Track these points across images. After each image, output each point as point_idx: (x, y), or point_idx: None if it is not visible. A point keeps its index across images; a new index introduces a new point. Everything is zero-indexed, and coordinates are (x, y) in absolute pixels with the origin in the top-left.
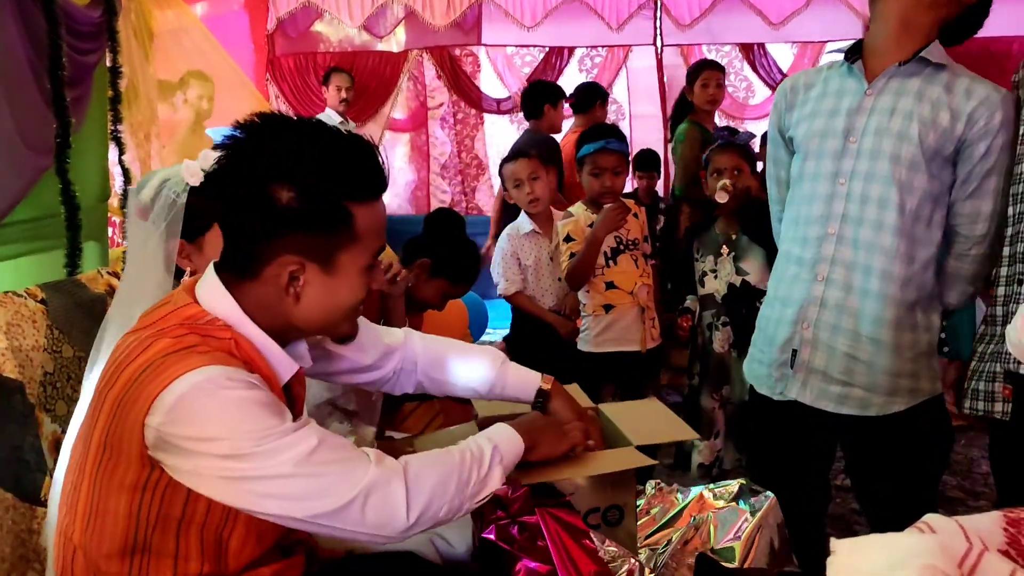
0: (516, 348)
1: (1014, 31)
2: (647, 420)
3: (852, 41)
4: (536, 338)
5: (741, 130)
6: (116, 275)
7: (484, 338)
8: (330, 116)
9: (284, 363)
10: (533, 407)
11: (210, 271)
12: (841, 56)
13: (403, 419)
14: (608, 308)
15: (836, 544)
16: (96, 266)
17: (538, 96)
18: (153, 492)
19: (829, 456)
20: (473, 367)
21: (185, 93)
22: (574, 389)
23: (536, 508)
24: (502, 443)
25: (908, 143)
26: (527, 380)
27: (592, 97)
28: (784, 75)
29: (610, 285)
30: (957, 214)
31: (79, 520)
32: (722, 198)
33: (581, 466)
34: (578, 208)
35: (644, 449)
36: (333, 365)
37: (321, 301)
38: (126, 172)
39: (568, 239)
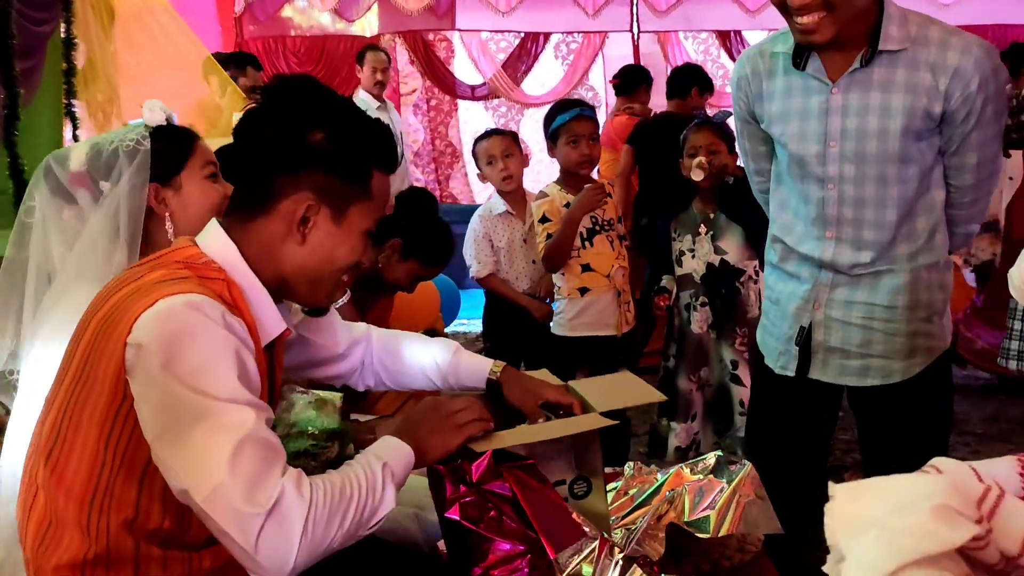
0: (490, 332)
1: (984, 20)
2: (614, 388)
3: None
4: (510, 322)
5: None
6: None
7: (460, 329)
8: (363, 100)
9: (273, 319)
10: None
11: (213, 222)
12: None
13: (372, 404)
14: (584, 291)
15: (834, 489)
16: None
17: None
18: (123, 426)
19: (831, 427)
20: (426, 357)
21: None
22: (543, 373)
23: (503, 471)
24: (391, 459)
25: (892, 139)
26: (478, 368)
27: (637, 79)
28: None
29: (586, 268)
30: (946, 167)
31: (42, 456)
32: (697, 176)
33: (539, 431)
34: (553, 188)
35: (611, 415)
36: (306, 353)
37: (322, 249)
38: None
39: (544, 219)
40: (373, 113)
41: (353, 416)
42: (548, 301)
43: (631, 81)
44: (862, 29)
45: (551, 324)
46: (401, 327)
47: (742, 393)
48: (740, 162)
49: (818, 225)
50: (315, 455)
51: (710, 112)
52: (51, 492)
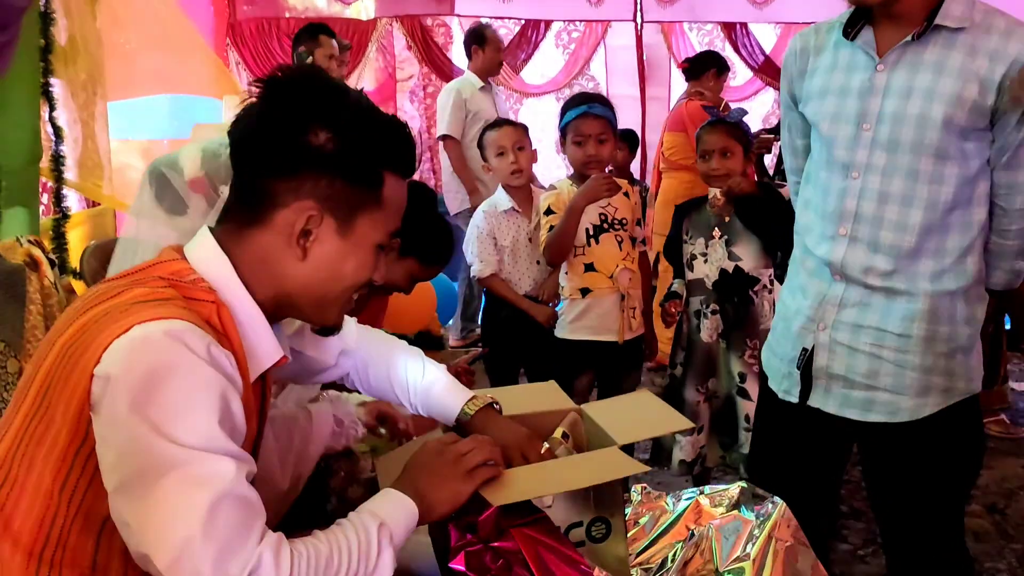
0: (489, 336)
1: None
2: (634, 415)
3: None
4: (510, 324)
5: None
6: (39, 244)
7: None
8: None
9: (268, 347)
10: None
11: (203, 230)
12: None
13: None
14: (585, 292)
15: None
16: (23, 234)
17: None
18: (83, 469)
19: (840, 464)
20: (400, 376)
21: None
22: (551, 387)
23: (510, 530)
24: (390, 518)
25: (932, 128)
26: (448, 406)
27: (707, 64)
28: (766, 56)
29: (589, 267)
30: (994, 184)
31: None
32: (715, 211)
33: (554, 479)
34: (563, 183)
35: (626, 449)
36: (296, 367)
37: (326, 265)
38: (57, 131)
39: (548, 212)
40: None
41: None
42: (552, 305)
43: (699, 66)
44: (923, 5)
45: (556, 326)
46: (395, 328)
47: (749, 408)
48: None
49: (833, 220)
50: (351, 478)
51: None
52: None
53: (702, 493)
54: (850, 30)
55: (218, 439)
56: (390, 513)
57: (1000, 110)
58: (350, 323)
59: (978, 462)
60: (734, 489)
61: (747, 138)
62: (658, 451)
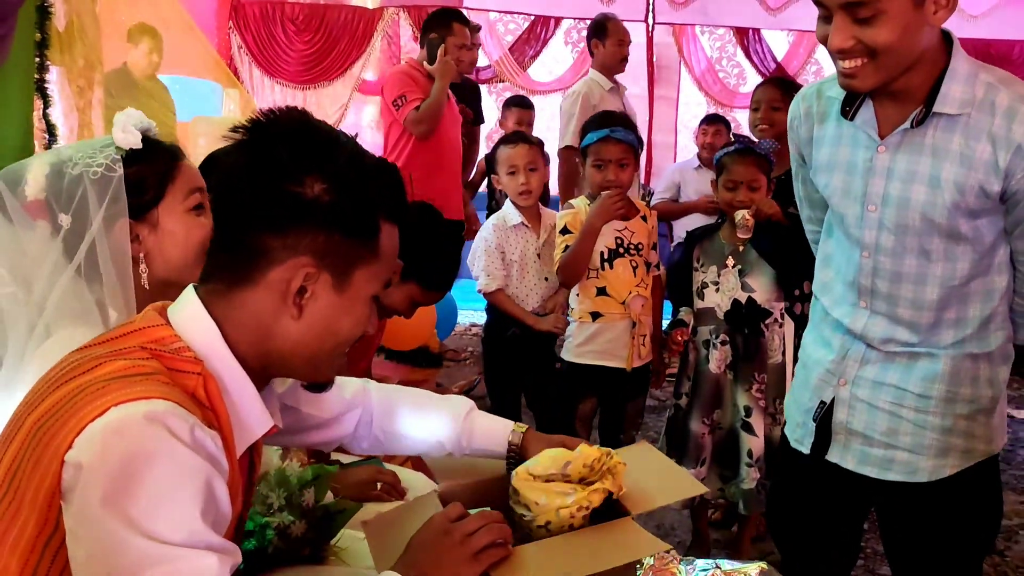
0: (491, 356)
1: (1015, 35)
2: (642, 475)
3: None
4: (514, 347)
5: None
6: None
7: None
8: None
9: (257, 417)
10: (508, 464)
11: (188, 292)
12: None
13: None
14: (596, 316)
15: None
16: None
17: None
18: (52, 563)
19: (860, 517)
20: (431, 420)
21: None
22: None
23: None
24: None
25: (939, 213)
26: (494, 432)
27: None
28: (777, 64)
29: (601, 291)
30: (1013, 250)
31: None
32: (744, 234)
33: (567, 561)
34: (580, 201)
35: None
36: (289, 421)
37: (321, 322)
38: (51, 128)
39: (565, 231)
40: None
41: (334, 456)
42: (560, 316)
43: None
44: (923, 82)
45: (562, 349)
46: (393, 345)
47: (752, 443)
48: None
49: (853, 291)
50: (294, 506)
51: (710, 108)
52: None
53: (718, 567)
54: (847, 108)
55: (200, 532)
56: None
57: (1009, 191)
58: (355, 380)
59: (996, 523)
60: (753, 570)
61: (771, 169)
62: None
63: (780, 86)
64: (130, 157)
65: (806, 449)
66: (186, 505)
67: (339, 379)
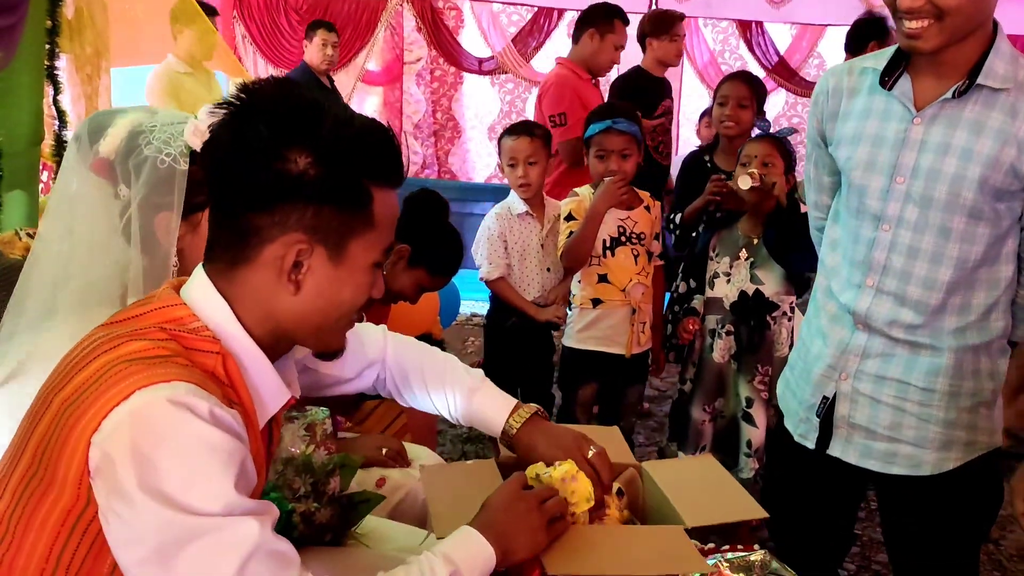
0: (492, 344)
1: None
2: (702, 488)
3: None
4: (514, 335)
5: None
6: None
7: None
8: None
9: (276, 390)
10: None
11: (198, 271)
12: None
13: (363, 418)
14: (596, 303)
15: None
16: (22, 218)
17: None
18: (83, 536)
19: (856, 505)
20: (437, 394)
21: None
22: (613, 433)
23: None
24: (465, 565)
25: (967, 188)
26: (493, 418)
27: (867, 34)
28: (780, 57)
29: (603, 278)
30: (1023, 242)
31: None
32: (744, 183)
33: (615, 558)
34: (585, 189)
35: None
36: (309, 380)
37: (322, 295)
38: (61, 114)
39: (569, 218)
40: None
41: (340, 434)
42: (559, 307)
43: (861, 35)
44: (967, 58)
45: (563, 336)
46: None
47: (752, 434)
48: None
49: (861, 269)
50: (320, 493)
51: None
52: None
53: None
54: (887, 79)
55: (236, 501)
56: (466, 560)
57: None
58: (377, 332)
59: (995, 512)
60: (755, 556)
61: (791, 157)
62: None
63: (749, 83)
64: (193, 158)
65: (811, 444)
66: (218, 478)
67: (362, 332)
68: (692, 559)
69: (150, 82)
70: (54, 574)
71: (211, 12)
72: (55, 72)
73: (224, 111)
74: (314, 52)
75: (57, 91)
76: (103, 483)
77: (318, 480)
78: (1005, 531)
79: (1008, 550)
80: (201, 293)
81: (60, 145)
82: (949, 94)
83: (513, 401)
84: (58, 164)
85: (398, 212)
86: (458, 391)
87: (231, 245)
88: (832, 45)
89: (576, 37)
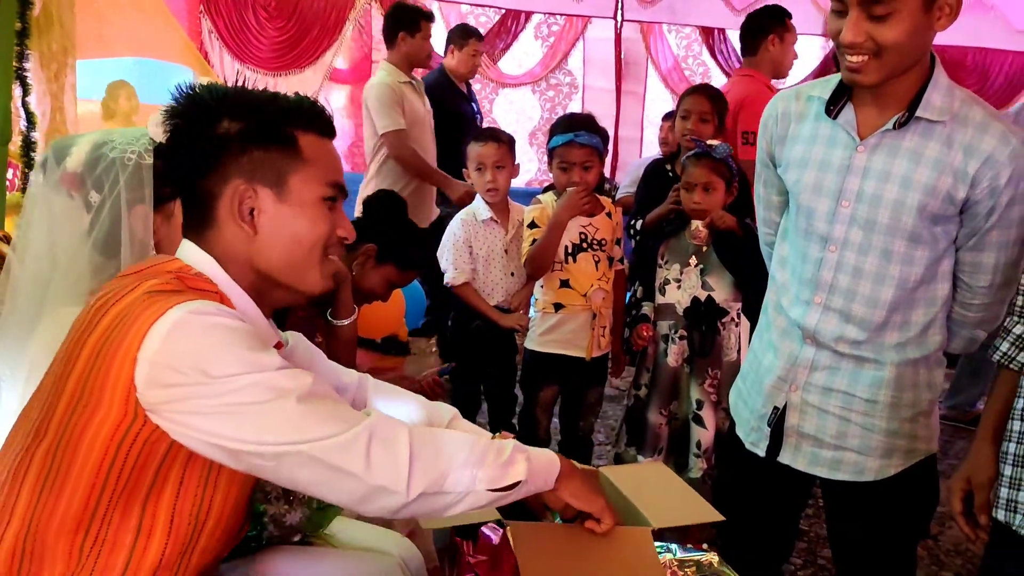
0: (456, 346)
1: (968, 42)
2: (661, 492)
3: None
4: (477, 338)
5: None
6: (7, 239)
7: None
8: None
9: (267, 332)
10: None
11: (185, 240)
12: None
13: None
14: (558, 307)
15: None
16: None
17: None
18: (130, 448)
19: (801, 506)
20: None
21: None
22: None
23: None
24: (534, 454)
25: (907, 214)
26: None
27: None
28: (741, 63)
29: (564, 283)
30: (959, 261)
31: (25, 494)
32: (698, 242)
33: (584, 555)
34: (548, 197)
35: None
36: None
37: (279, 232)
38: (30, 115)
39: (532, 225)
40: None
41: None
42: (522, 314)
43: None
44: (906, 90)
45: (526, 339)
46: (364, 333)
47: (702, 435)
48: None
49: (809, 287)
50: (291, 498)
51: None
52: (37, 533)
53: (669, 551)
54: (832, 107)
55: (280, 362)
56: (536, 453)
57: (971, 200)
58: (349, 372)
59: (932, 511)
60: (705, 558)
61: (731, 173)
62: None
63: (711, 98)
64: (160, 150)
65: (762, 452)
66: (258, 347)
67: (339, 368)
68: (654, 569)
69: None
70: (103, 487)
71: (425, 17)
72: (24, 74)
73: (168, 117)
74: (463, 59)
75: (26, 92)
76: (159, 386)
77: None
78: (944, 528)
79: (945, 545)
80: (193, 254)
81: (28, 146)
82: (890, 125)
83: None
84: (25, 163)
85: (336, 157)
86: (434, 421)
87: (195, 215)
88: None
89: (752, 47)
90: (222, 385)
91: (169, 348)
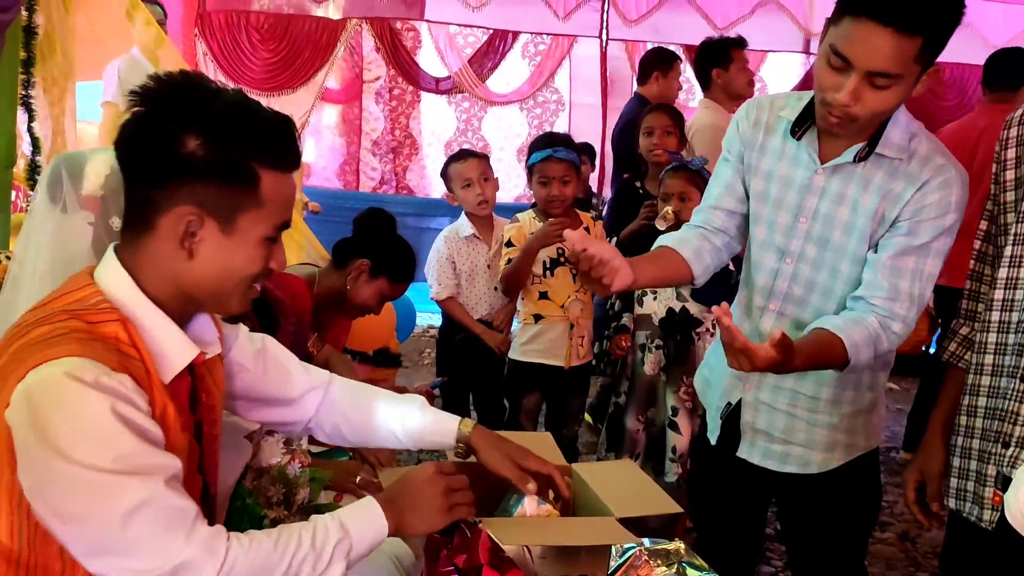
0: (443, 358)
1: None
2: (626, 488)
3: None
4: (463, 349)
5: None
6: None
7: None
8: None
9: (179, 349)
10: (456, 455)
11: (109, 249)
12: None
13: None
14: (538, 318)
15: None
16: None
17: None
18: (29, 515)
19: (765, 504)
20: (390, 412)
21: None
22: (545, 439)
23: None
24: (357, 528)
25: (854, 237)
26: (445, 426)
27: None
28: None
29: (543, 295)
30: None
31: None
32: (661, 225)
33: (559, 533)
34: (526, 215)
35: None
36: (254, 383)
37: (215, 262)
38: (35, 141)
39: (509, 244)
40: None
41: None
42: (505, 332)
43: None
44: (871, 127)
45: (510, 349)
46: (355, 346)
47: (677, 440)
48: None
49: (763, 295)
50: (290, 503)
51: None
52: None
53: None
54: (797, 129)
55: (126, 458)
56: (358, 527)
57: (901, 217)
58: (322, 370)
59: (877, 507)
60: (671, 546)
61: (705, 183)
62: None
63: (670, 113)
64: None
65: (714, 440)
66: (113, 436)
67: (306, 366)
68: (621, 535)
69: (121, 74)
70: (20, 526)
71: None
72: (30, 100)
73: (136, 100)
74: (671, 84)
75: (31, 118)
76: (17, 450)
77: (290, 489)
78: (921, 529)
79: (923, 547)
80: (107, 270)
81: (34, 169)
82: (850, 158)
83: (455, 416)
84: (30, 186)
85: (294, 192)
86: (411, 407)
87: (135, 218)
88: (773, 70)
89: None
90: (61, 464)
91: (22, 412)
